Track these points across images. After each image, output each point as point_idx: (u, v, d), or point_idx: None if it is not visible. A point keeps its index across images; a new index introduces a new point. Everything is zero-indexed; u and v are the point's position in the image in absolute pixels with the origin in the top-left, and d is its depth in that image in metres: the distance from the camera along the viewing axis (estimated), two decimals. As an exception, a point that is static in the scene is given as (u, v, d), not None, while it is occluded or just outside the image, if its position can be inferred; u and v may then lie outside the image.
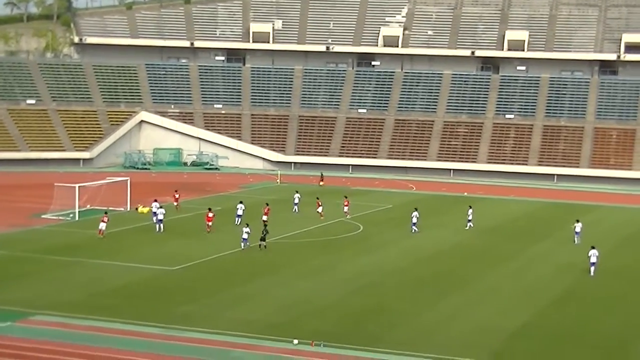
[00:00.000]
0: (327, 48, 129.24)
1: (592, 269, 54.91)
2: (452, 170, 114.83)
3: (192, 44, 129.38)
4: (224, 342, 38.61)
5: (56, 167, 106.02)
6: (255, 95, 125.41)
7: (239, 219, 68.69)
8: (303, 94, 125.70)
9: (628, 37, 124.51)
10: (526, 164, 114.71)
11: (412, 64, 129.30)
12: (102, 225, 63.08)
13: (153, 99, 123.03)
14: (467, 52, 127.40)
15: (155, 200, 70.55)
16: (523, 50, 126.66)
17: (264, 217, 68.91)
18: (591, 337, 41.69)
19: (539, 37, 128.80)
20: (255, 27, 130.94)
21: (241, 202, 71.41)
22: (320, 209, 75.08)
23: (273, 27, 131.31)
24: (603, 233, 72.15)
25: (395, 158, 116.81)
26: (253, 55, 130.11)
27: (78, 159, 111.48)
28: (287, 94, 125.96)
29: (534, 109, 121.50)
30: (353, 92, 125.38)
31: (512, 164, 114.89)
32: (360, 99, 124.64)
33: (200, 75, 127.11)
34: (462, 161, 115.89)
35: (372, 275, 53.15)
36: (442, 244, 65.01)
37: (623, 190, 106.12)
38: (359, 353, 37.81)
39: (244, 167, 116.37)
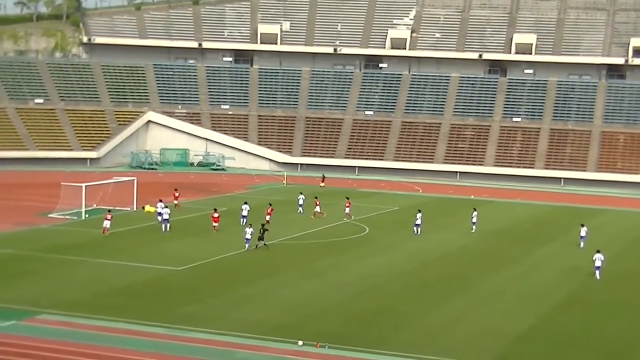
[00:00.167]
0: (335, 50, 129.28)
1: (597, 272, 54.86)
2: (458, 173, 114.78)
3: (200, 44, 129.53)
4: (228, 342, 38.59)
5: (63, 167, 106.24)
6: (263, 97, 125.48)
7: (244, 220, 68.68)
8: (310, 96, 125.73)
9: (636, 41, 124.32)
10: (533, 167, 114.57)
11: (419, 67, 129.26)
12: (106, 224, 63.25)
13: (160, 99, 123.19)
14: (475, 55, 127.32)
15: (160, 200, 70.70)
16: (531, 53, 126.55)
17: (267, 218, 69.07)
18: (596, 341, 41.59)
19: (546, 40, 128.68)
20: (263, 28, 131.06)
21: (246, 203, 71.40)
22: (317, 209, 75.29)
23: (281, 29, 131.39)
24: (609, 237, 72.05)
25: (401, 160, 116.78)
26: (260, 56, 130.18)
27: (85, 159, 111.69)
28: (294, 95, 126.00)
29: (541, 112, 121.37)
30: (360, 94, 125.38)
31: (519, 167, 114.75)
32: (367, 101, 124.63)
33: (207, 76, 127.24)
34: (468, 164, 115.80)
35: (377, 277, 53.10)
36: (447, 247, 64.94)
37: (630, 194, 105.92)
38: (363, 355, 37.78)
39: (251, 168, 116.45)
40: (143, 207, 74.31)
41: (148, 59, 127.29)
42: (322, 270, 54.58)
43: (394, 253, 61.58)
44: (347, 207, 76.33)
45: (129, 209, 74.92)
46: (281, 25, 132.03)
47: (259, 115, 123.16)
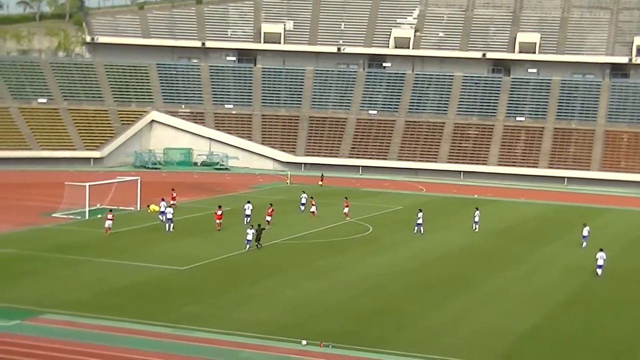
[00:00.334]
0: (338, 49, 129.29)
1: (599, 271, 54.94)
2: (462, 172, 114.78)
3: (203, 44, 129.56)
4: (232, 342, 38.59)
5: (67, 166, 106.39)
6: (266, 96, 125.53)
7: (248, 219, 68.70)
8: (314, 95, 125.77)
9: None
10: (537, 167, 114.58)
11: (423, 66, 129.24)
12: (109, 223, 63.34)
13: (164, 99, 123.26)
14: (478, 54, 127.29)
15: (163, 200, 70.76)
16: (534, 52, 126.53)
17: (268, 218, 69.10)
18: (599, 340, 41.57)
19: (550, 39, 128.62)
20: (266, 27, 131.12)
21: (249, 202, 71.42)
22: (313, 208, 75.42)
23: (284, 28, 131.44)
24: (612, 236, 72.05)
25: (405, 160, 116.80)
26: (264, 55, 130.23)
27: (89, 158, 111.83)
28: (297, 94, 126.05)
29: (545, 111, 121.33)
30: (364, 94, 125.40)
31: (522, 166, 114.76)
32: (371, 101, 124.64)
33: (211, 75, 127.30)
34: (472, 163, 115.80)
35: (380, 276, 53.10)
36: (451, 246, 64.94)
37: (633, 193, 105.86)
38: (366, 354, 37.78)
39: (254, 168, 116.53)
40: (148, 206, 74.33)
41: (151, 58, 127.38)
42: (326, 269, 54.57)
43: (397, 252, 61.58)
44: (346, 207, 76.28)
45: (132, 208, 74.98)
46: (285, 25, 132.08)
47: (263, 115, 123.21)
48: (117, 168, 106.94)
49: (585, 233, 66.34)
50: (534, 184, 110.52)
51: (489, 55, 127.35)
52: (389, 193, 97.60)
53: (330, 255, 59.19)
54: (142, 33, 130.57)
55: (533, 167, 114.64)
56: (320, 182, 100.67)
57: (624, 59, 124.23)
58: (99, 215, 63.90)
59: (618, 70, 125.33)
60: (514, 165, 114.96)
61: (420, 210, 70.56)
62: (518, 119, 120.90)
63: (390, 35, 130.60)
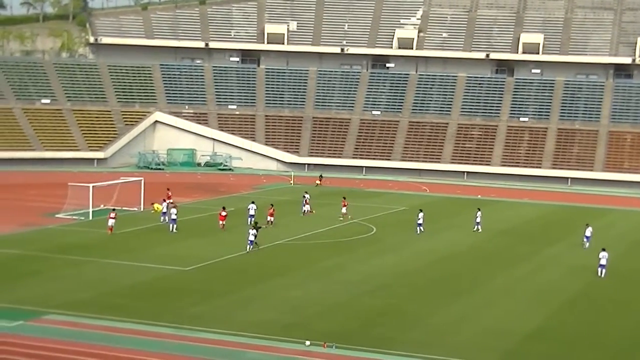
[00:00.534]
0: (342, 50, 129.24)
1: (603, 271, 55.00)
2: (465, 173, 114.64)
3: (206, 44, 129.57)
4: (236, 343, 38.57)
5: (70, 167, 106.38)
6: (270, 97, 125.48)
7: (252, 219, 68.62)
8: (317, 96, 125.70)
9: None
10: (540, 167, 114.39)
11: (426, 66, 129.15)
12: (111, 222, 63.38)
13: (167, 100, 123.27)
14: (482, 55, 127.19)
15: (164, 200, 70.75)
16: (538, 53, 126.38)
17: (269, 218, 69.08)
18: (604, 340, 41.50)
19: (554, 40, 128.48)
20: (269, 28, 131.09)
21: (253, 202, 71.37)
22: (307, 207, 75.43)
23: (288, 29, 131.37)
24: (616, 236, 72.00)
25: (409, 160, 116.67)
26: (267, 56, 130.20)
27: (92, 159, 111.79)
28: (301, 95, 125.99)
29: (549, 112, 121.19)
30: (367, 94, 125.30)
31: (526, 166, 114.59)
32: (375, 101, 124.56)
33: (214, 76, 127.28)
34: (476, 164, 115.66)
35: (384, 277, 53.06)
36: (454, 246, 64.87)
37: (637, 194, 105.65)
38: (370, 355, 37.75)
39: (258, 168, 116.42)
40: (152, 204, 74.23)
41: (155, 59, 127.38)
42: (329, 270, 54.53)
43: (400, 253, 61.54)
44: (344, 206, 76.18)
45: (136, 209, 74.95)
46: (288, 25, 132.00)
47: (266, 116, 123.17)
48: (121, 169, 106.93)
49: (588, 233, 66.20)
50: (538, 184, 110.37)
51: (493, 55, 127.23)
52: (392, 194, 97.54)
53: (334, 256, 59.16)
54: (146, 34, 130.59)
55: (536, 167, 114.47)
56: (317, 182, 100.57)
57: (627, 60, 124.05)
58: (110, 220, 63.75)
59: (621, 70, 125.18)
60: (518, 166, 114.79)
61: (421, 210, 70.58)
62: (521, 119, 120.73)
63: (393, 35, 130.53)
